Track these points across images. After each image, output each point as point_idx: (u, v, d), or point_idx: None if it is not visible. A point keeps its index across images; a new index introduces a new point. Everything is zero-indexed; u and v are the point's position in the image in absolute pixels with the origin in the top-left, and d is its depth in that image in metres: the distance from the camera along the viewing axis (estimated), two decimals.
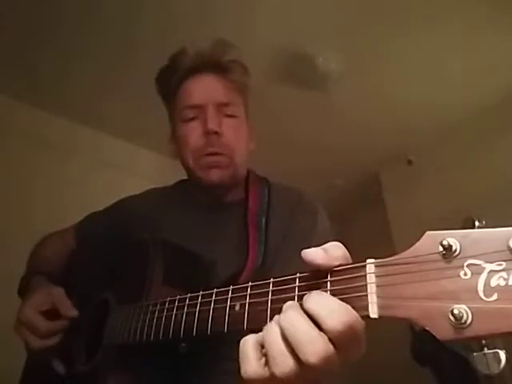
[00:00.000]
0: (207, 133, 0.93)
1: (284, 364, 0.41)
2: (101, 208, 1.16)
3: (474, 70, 2.38)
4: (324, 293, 0.43)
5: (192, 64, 0.98)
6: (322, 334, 0.40)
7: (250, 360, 0.43)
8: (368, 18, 2.06)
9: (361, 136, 2.83)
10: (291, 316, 0.42)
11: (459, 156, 2.75)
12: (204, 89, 0.97)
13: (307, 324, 0.41)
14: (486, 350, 0.33)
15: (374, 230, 3.15)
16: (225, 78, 0.98)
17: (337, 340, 0.40)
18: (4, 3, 1.91)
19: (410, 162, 3.04)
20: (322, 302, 0.41)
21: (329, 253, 0.45)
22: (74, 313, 0.86)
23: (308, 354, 0.39)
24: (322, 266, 0.44)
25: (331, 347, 0.40)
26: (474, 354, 0.34)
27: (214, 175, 0.94)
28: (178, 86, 0.99)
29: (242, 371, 0.43)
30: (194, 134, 0.95)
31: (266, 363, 0.43)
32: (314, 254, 0.44)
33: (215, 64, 0.98)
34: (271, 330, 0.43)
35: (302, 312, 0.42)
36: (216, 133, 0.93)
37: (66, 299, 0.88)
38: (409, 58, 2.31)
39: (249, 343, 0.44)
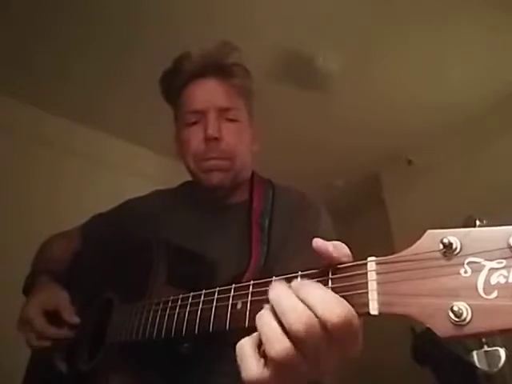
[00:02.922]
0: (207, 139, 0.94)
1: (279, 343, 0.40)
2: (100, 207, 1.17)
3: (474, 70, 2.38)
4: (316, 283, 0.43)
5: (194, 68, 0.98)
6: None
7: (249, 361, 0.42)
8: (368, 18, 2.06)
9: (361, 136, 2.83)
10: (276, 288, 0.43)
11: (459, 156, 2.75)
12: (205, 94, 0.97)
13: (291, 294, 0.41)
14: (486, 348, 0.33)
15: (374, 230, 3.16)
16: (227, 83, 0.98)
17: (333, 331, 0.39)
18: (4, 3, 1.91)
19: (409, 162, 3.04)
20: (315, 293, 0.41)
21: (338, 248, 0.45)
22: (75, 320, 0.87)
23: (291, 321, 0.39)
24: (335, 259, 0.45)
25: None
26: (475, 351, 0.34)
27: (215, 178, 0.95)
28: (180, 89, 0.99)
29: (243, 375, 0.42)
30: (195, 138, 0.96)
31: (266, 363, 0.41)
32: (328, 246, 0.45)
33: (218, 68, 0.98)
34: (262, 315, 0.43)
35: (286, 286, 0.42)
36: (216, 138, 0.94)
37: (69, 305, 0.89)
38: (409, 58, 2.31)
39: (246, 345, 0.43)
